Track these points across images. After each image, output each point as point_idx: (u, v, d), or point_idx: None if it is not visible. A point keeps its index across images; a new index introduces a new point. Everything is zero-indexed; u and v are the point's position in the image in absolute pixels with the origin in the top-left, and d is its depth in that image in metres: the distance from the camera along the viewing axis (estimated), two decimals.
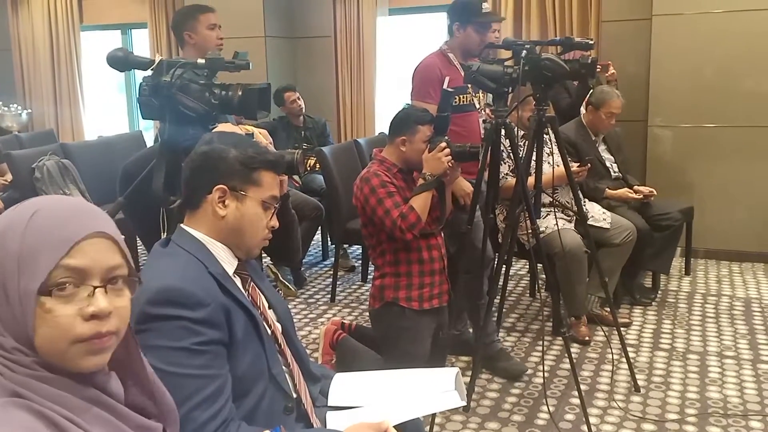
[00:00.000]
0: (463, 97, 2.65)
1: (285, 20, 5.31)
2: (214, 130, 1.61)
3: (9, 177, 3.79)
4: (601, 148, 3.38)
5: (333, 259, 3.84)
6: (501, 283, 2.59)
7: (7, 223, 0.75)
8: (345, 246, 4.07)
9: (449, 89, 2.15)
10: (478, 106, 2.73)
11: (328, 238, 4.29)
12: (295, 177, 4.29)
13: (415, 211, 2.13)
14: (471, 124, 2.65)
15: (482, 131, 2.76)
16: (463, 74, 2.65)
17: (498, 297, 2.70)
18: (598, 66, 3.14)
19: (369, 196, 2.17)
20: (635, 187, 3.32)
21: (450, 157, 2.15)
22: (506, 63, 2.25)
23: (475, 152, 2.19)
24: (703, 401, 2.40)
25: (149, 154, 1.87)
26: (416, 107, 2.44)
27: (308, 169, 4.33)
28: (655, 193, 3.32)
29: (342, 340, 2.41)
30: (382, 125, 5.17)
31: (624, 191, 3.25)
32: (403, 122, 2.23)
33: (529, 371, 2.66)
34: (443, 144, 2.14)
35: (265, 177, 1.29)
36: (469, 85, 2.72)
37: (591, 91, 3.26)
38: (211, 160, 1.27)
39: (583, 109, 3.33)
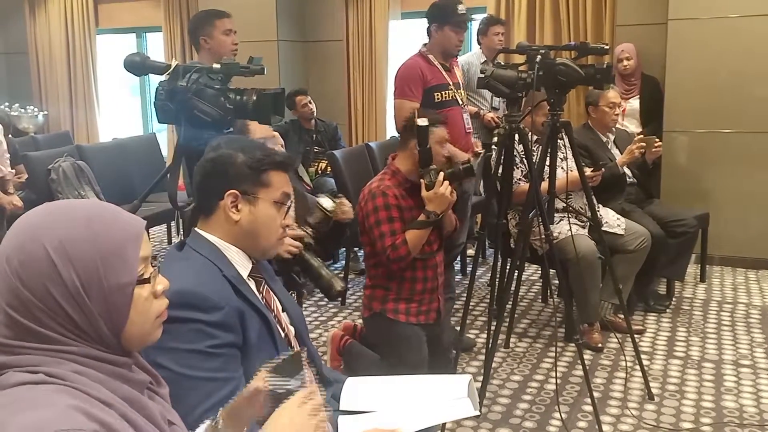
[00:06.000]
0: (445, 93, 2.80)
1: (297, 24, 5.34)
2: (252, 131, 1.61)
3: (25, 176, 3.84)
4: (614, 151, 3.35)
5: (343, 262, 3.85)
6: (513, 288, 2.57)
7: (67, 230, 0.79)
8: (355, 249, 4.07)
9: (423, 125, 2.08)
10: (460, 102, 2.87)
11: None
12: (306, 180, 4.31)
13: (406, 245, 2.07)
14: (453, 119, 2.75)
15: (467, 126, 2.88)
16: (443, 73, 2.81)
17: (510, 302, 2.68)
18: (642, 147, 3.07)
19: (370, 214, 2.14)
20: (637, 137, 3.19)
21: (450, 189, 2.08)
22: (520, 68, 2.24)
23: (469, 168, 2.13)
24: (718, 410, 2.37)
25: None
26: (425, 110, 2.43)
27: (319, 172, 4.35)
28: (657, 140, 3.19)
29: (348, 345, 2.39)
30: (393, 129, 5.14)
31: (628, 148, 3.11)
32: (413, 126, 2.20)
33: (541, 378, 2.64)
34: (441, 177, 2.06)
35: (274, 177, 1.29)
36: (451, 82, 2.79)
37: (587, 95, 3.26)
38: (220, 166, 1.28)
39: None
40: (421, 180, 2.10)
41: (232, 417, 0.99)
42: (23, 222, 0.81)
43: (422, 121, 2.05)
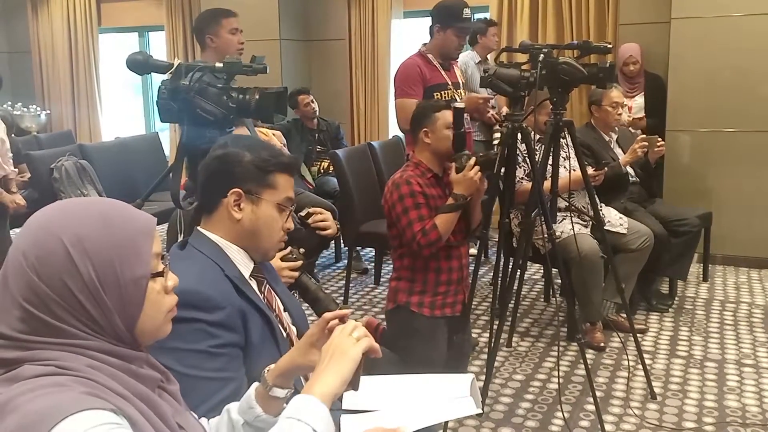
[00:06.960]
0: (444, 93, 2.81)
1: (300, 23, 5.34)
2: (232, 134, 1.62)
3: (27, 175, 3.86)
4: (617, 150, 3.34)
5: (346, 261, 3.85)
6: (515, 287, 2.57)
7: (83, 226, 0.81)
8: (358, 248, 4.07)
9: (459, 106, 2.09)
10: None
11: (341, 241, 4.29)
12: (309, 179, 4.31)
13: (437, 229, 2.08)
14: None
15: (467, 126, 2.86)
16: (442, 72, 2.84)
17: (512, 301, 2.68)
18: (645, 146, 3.08)
19: (396, 203, 2.14)
20: (640, 137, 3.19)
21: (480, 174, 2.09)
22: (523, 67, 2.23)
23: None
24: (721, 410, 2.36)
25: None
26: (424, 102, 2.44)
27: (322, 171, 4.35)
28: (660, 140, 3.20)
29: None
30: (395, 128, 5.14)
31: (631, 148, 3.11)
32: (420, 116, 2.21)
33: (544, 377, 2.64)
34: (472, 162, 2.07)
35: (279, 179, 1.29)
36: (450, 82, 2.83)
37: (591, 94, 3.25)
38: (226, 164, 1.27)
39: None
40: (452, 163, 2.11)
41: (277, 377, 1.04)
42: (38, 218, 0.82)
43: (459, 104, 2.08)
